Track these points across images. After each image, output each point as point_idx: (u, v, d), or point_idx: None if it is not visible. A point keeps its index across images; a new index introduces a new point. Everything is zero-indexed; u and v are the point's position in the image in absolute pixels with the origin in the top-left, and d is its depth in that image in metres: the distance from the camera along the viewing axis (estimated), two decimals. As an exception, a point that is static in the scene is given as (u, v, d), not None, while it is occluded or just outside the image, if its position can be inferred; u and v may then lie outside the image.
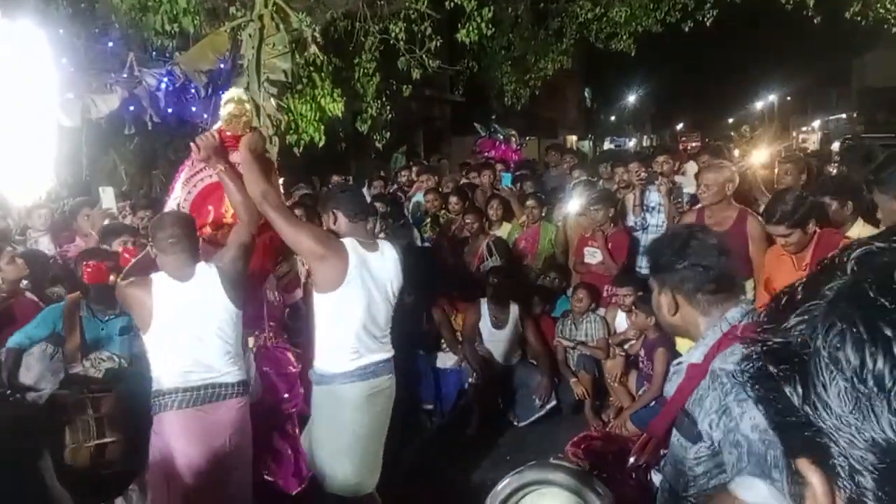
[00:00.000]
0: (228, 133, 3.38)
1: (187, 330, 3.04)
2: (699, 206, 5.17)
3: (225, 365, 3.09)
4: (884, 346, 0.55)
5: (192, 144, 3.35)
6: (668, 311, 1.91)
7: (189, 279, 3.08)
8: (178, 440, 2.99)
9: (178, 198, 3.52)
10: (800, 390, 0.59)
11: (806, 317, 0.62)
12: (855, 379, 0.56)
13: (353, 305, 3.16)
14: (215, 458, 3.02)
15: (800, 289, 0.65)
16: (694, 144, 22.98)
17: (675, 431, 1.94)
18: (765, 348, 0.65)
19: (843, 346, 0.57)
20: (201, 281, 3.09)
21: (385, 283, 3.27)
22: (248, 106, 3.50)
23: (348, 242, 3.17)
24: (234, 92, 3.62)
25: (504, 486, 1.85)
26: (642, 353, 4.89)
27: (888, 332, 0.55)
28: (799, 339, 0.61)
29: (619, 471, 2.16)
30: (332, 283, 3.12)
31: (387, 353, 3.31)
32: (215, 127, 3.52)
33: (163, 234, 3.07)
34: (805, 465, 0.60)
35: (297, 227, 3.18)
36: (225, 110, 3.42)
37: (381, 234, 6.10)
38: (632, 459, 2.19)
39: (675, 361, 2.00)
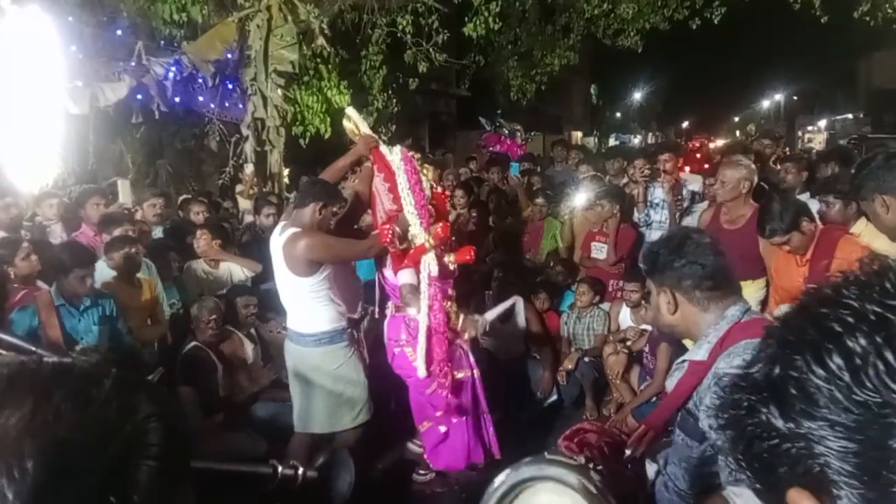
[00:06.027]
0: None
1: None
2: (706, 203, 5.18)
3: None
4: (835, 341, 0.59)
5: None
6: (667, 310, 1.96)
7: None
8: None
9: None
10: (775, 409, 0.62)
11: (766, 346, 0.67)
12: (815, 374, 0.60)
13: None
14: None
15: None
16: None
17: (678, 431, 1.95)
18: (736, 384, 0.69)
19: (802, 351, 0.61)
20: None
21: (277, 263, 3.61)
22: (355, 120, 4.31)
23: (278, 226, 3.73)
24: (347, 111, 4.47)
25: (500, 482, 1.82)
26: (646, 348, 4.89)
27: (837, 328, 0.60)
28: (765, 368, 0.65)
29: (615, 463, 2.16)
30: None
31: (300, 327, 3.62)
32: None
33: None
34: (795, 494, 0.62)
35: None
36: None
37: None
38: (628, 452, 2.20)
39: (678, 360, 2.02)
